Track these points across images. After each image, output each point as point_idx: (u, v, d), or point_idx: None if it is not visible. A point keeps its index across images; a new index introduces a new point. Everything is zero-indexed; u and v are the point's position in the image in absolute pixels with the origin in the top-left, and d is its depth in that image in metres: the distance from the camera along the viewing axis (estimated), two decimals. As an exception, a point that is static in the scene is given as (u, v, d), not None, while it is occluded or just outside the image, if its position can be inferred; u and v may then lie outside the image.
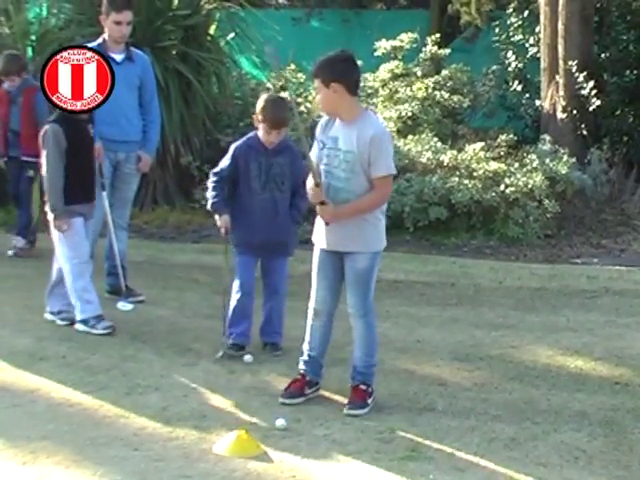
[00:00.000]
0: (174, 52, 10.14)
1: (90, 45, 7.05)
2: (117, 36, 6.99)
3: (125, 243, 7.27)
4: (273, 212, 5.88)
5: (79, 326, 6.34)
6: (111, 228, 6.99)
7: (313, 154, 5.15)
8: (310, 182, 5.05)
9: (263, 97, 5.93)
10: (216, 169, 5.96)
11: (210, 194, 5.92)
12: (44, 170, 6.30)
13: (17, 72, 8.33)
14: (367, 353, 5.18)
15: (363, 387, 5.14)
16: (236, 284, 5.96)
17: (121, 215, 7.20)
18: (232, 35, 10.70)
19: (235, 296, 5.95)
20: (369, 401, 5.11)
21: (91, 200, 6.45)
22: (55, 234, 6.33)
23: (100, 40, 7.05)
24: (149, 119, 7.14)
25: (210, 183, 5.94)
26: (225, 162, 5.92)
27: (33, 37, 10.43)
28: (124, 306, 6.87)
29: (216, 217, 5.94)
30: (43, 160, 6.30)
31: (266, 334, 6.02)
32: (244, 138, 5.99)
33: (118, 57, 6.96)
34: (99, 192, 6.82)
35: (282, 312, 6.02)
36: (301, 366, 5.32)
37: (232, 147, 5.98)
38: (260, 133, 5.86)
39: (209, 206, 5.96)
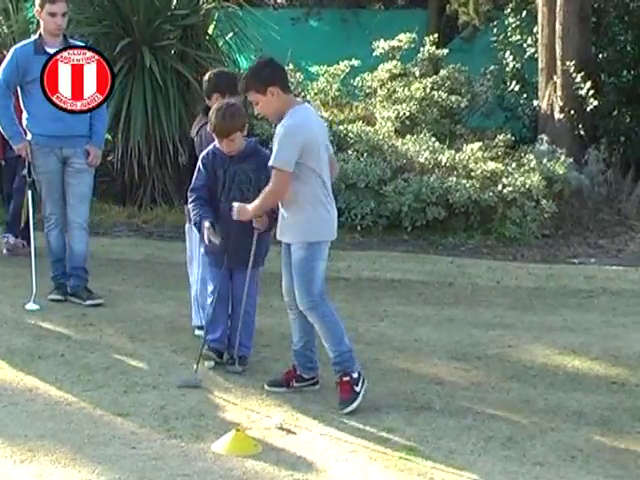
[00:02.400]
0: (173, 51, 10.15)
1: (26, 41, 6.98)
2: (52, 28, 6.82)
3: (84, 244, 7.08)
4: (232, 221, 5.41)
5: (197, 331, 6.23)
6: (65, 228, 7.06)
7: None
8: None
9: (214, 105, 5.74)
10: (192, 185, 5.74)
11: (192, 214, 5.71)
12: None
13: None
14: (334, 342, 5.17)
15: (346, 378, 5.12)
16: (210, 290, 5.80)
17: (79, 213, 7.04)
18: (231, 35, 10.71)
19: (209, 302, 5.80)
20: (357, 389, 5.09)
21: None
22: (194, 241, 6.15)
23: (36, 35, 6.94)
24: (95, 112, 6.93)
25: (190, 204, 5.72)
26: (197, 174, 5.73)
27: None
28: (31, 306, 6.80)
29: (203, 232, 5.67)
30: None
31: (231, 346, 5.72)
32: (210, 146, 5.76)
33: (53, 51, 6.78)
34: (26, 190, 7.01)
35: (248, 324, 5.71)
36: (293, 359, 5.40)
37: (200, 157, 5.78)
38: None
39: (194, 226, 5.76)
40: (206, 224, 5.51)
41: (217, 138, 5.60)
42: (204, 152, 5.78)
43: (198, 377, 5.49)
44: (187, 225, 6.25)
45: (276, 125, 5.27)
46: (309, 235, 5.18)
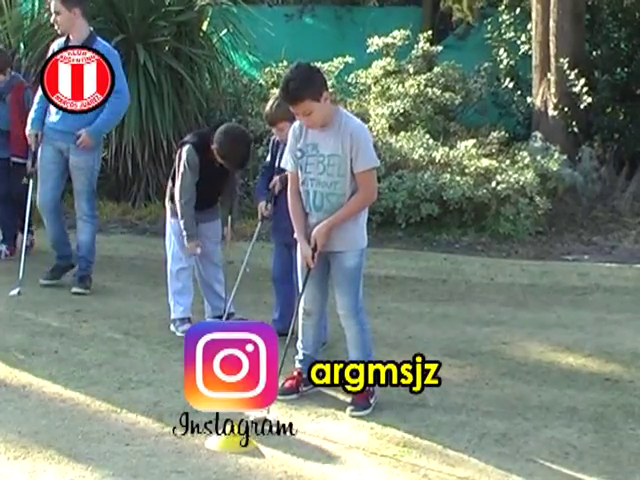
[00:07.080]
0: (167, 48, 10.13)
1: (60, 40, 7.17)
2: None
3: (84, 234, 7.24)
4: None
5: (171, 326, 6.38)
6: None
7: (287, 165, 5.15)
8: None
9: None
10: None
11: None
12: (177, 191, 6.18)
13: (0, 69, 7.97)
14: (364, 352, 5.15)
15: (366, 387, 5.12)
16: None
17: (78, 207, 7.28)
18: (225, 31, 10.70)
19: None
20: (372, 401, 5.09)
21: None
22: (168, 234, 6.48)
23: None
24: (106, 104, 6.93)
25: None
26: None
27: (26, 32, 10.39)
28: (13, 292, 6.98)
29: None
30: (178, 180, 6.16)
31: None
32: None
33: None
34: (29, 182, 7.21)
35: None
36: (297, 365, 5.32)
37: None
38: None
39: None
40: None
41: (268, 126, 5.99)
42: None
43: None
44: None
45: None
46: (363, 241, 5.12)
